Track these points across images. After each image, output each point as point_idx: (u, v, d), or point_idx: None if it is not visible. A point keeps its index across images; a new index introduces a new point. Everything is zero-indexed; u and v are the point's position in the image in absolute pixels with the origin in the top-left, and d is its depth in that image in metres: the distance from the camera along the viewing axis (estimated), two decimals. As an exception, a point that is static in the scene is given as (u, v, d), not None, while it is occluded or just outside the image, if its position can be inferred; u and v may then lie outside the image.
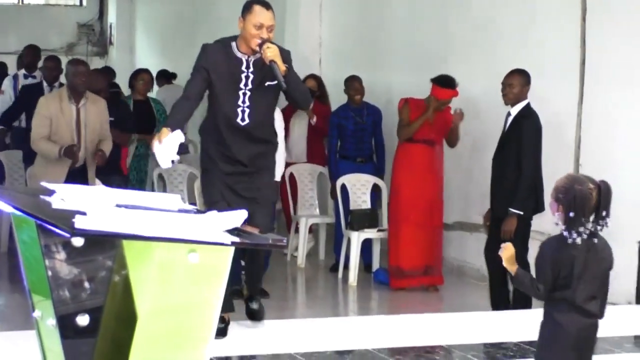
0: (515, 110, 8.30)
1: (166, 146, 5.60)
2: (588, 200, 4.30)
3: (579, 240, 4.28)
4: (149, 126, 10.76)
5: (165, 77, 14.07)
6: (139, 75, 11.53)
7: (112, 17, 18.95)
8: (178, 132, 5.63)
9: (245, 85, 6.10)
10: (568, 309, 4.36)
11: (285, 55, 6.04)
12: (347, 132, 10.65)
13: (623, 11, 9.28)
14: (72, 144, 8.33)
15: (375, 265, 10.39)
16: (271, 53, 5.85)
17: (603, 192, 4.33)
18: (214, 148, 6.23)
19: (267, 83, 6.10)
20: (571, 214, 4.27)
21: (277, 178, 9.26)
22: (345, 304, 9.86)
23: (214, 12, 14.85)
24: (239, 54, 6.12)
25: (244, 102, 6.11)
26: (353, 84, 10.71)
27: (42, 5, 19.23)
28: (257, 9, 5.98)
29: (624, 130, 9.25)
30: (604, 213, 4.31)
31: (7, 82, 12.19)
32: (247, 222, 3.27)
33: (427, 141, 9.62)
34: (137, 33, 18.66)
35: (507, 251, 4.45)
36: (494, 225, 8.31)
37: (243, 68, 6.11)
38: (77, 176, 8.22)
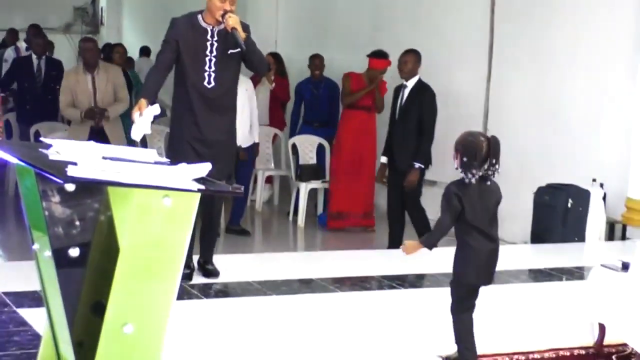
0: (410, 83, 8.37)
1: (145, 118, 5.30)
2: (478, 149, 4.42)
3: (473, 180, 4.41)
4: (128, 91, 10.79)
5: (145, 51, 14.26)
6: (115, 49, 11.68)
7: (103, 1, 18.84)
8: (156, 106, 5.33)
9: (211, 52, 5.81)
10: (477, 235, 4.46)
11: (245, 26, 5.80)
12: (305, 101, 10.74)
13: (526, 5, 9.32)
14: (91, 107, 8.53)
15: (320, 210, 10.41)
16: (232, 21, 5.64)
17: (492, 144, 4.44)
18: (183, 115, 5.93)
19: (230, 51, 5.80)
20: (464, 159, 4.41)
21: (256, 139, 9.32)
22: (295, 241, 9.87)
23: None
24: (204, 25, 5.83)
25: (210, 67, 5.82)
26: (314, 61, 10.75)
27: (44, -9, 19.00)
28: None
29: (523, 103, 9.34)
30: (494, 161, 4.43)
31: (10, 52, 12.11)
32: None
33: (366, 107, 9.63)
34: (124, 15, 18.55)
35: (408, 249, 4.61)
36: (393, 178, 8.44)
37: (208, 37, 5.81)
38: (97, 135, 8.34)
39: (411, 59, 8.41)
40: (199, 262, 6.25)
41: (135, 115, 5.40)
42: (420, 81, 8.40)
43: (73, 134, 8.46)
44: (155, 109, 5.26)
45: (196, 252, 6.30)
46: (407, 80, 8.39)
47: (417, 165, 8.17)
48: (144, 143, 10.01)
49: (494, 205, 4.53)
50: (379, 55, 9.46)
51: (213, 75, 5.83)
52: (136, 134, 5.42)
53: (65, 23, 18.31)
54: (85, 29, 18.38)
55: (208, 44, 5.81)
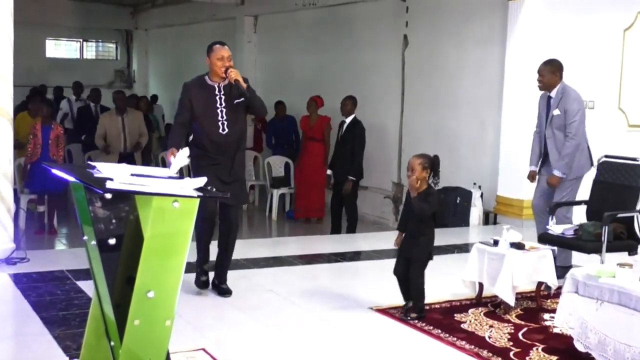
0: (348, 120, 8.32)
1: (179, 158, 4.06)
2: (438, 165, 4.55)
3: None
4: (149, 130, 10.69)
5: (154, 98, 14.21)
6: (142, 100, 11.75)
7: (135, 66, 18.69)
8: (186, 149, 4.32)
9: (221, 104, 4.99)
10: (433, 223, 4.61)
11: (245, 79, 5.03)
12: (275, 132, 10.72)
13: (426, 65, 9.38)
14: (107, 145, 8.70)
15: (287, 208, 10.33)
16: (234, 74, 4.92)
17: (437, 160, 4.56)
18: (199, 162, 5.03)
19: (236, 101, 4.99)
20: (439, 172, 4.45)
21: None
22: (270, 230, 9.77)
23: (193, 61, 14.63)
24: (211, 83, 5.03)
25: (222, 117, 4.97)
26: (279, 106, 10.77)
27: (94, 59, 18.78)
28: (217, 47, 4.98)
29: (426, 131, 9.37)
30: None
31: (65, 103, 12.05)
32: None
33: (315, 139, 9.44)
34: (150, 75, 18.40)
35: (412, 181, 4.51)
36: (335, 186, 8.35)
37: (216, 92, 5.00)
38: (126, 159, 8.55)
39: (349, 102, 8.36)
40: (213, 282, 5.25)
41: (171, 157, 4.36)
42: (355, 118, 8.34)
43: (104, 158, 8.63)
44: (185, 151, 4.27)
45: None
46: (346, 117, 8.34)
47: (350, 177, 8.13)
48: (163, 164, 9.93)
49: None
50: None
51: (226, 123, 4.99)
52: (174, 168, 4.18)
53: (109, 81, 18.18)
54: (122, 85, 18.21)
55: (217, 98, 5.02)
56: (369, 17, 10.39)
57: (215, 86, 5.06)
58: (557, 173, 5.84)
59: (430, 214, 4.52)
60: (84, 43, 18.62)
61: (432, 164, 4.50)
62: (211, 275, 5.26)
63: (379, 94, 10.10)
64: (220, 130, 5.00)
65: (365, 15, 10.46)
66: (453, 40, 9.02)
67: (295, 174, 9.97)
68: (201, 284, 5.21)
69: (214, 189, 3.14)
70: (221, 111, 5.02)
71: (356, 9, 10.63)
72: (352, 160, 8.16)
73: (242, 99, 4.99)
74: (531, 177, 6.16)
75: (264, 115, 5.43)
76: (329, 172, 8.53)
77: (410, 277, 4.61)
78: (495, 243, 4.96)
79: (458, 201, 8.27)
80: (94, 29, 18.12)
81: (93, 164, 3.49)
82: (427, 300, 4.74)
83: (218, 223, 5.17)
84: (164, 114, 13.47)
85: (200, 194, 2.98)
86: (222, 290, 5.18)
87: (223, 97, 5.03)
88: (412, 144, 9.41)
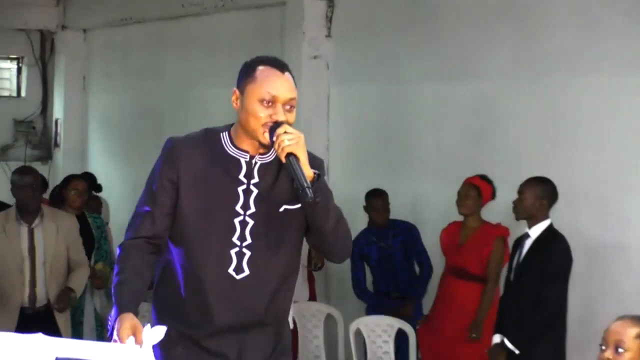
0: (535, 231, 8.44)
1: (148, 348, 4.27)
2: None
3: None
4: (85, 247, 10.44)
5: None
6: (71, 184, 11.16)
7: (58, 111, 18.61)
8: (159, 329, 4.35)
9: (245, 207, 4.71)
10: None
11: (317, 161, 4.78)
12: (372, 262, 10.82)
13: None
14: None
15: None
16: (290, 140, 4.49)
17: None
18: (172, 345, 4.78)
19: (285, 207, 4.76)
20: None
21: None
22: None
23: (185, 102, 14.93)
24: (233, 153, 4.77)
25: (241, 237, 4.70)
26: (374, 201, 10.81)
27: (-32, 96, 18.94)
28: (264, 70, 4.66)
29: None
30: None
31: None
32: None
33: (462, 272, 9.64)
34: (90, 131, 18.26)
35: None
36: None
37: (241, 176, 4.73)
38: (38, 323, 8.22)
39: (532, 193, 8.50)
40: None
41: (128, 342, 4.30)
42: (550, 228, 8.48)
43: None
44: (159, 332, 4.34)
45: None
46: (530, 227, 8.48)
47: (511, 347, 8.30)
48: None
49: None
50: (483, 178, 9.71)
51: (248, 253, 4.74)
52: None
53: (1, 146, 18.31)
54: (31, 154, 18.00)
55: (240, 190, 4.75)
56: (583, 4, 10.59)
57: (243, 162, 4.84)
58: None
59: None
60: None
61: None
62: None
63: (607, 170, 10.06)
64: (231, 270, 4.77)
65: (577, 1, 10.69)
66: None
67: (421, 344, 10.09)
68: None
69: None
70: (242, 222, 4.76)
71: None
72: (540, 315, 8.29)
73: (299, 204, 4.75)
74: None
75: (341, 259, 5.10)
76: (496, 338, 8.66)
77: None
78: None
79: None
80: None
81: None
82: None
83: None
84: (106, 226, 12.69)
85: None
86: None
87: (254, 189, 4.80)
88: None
